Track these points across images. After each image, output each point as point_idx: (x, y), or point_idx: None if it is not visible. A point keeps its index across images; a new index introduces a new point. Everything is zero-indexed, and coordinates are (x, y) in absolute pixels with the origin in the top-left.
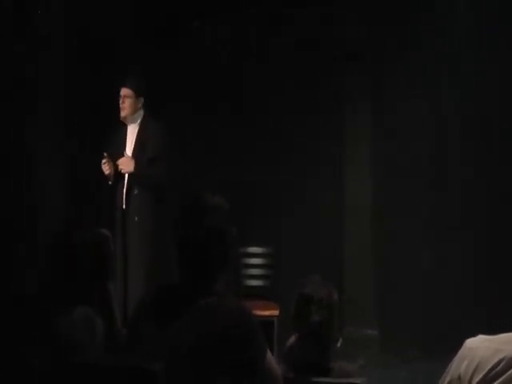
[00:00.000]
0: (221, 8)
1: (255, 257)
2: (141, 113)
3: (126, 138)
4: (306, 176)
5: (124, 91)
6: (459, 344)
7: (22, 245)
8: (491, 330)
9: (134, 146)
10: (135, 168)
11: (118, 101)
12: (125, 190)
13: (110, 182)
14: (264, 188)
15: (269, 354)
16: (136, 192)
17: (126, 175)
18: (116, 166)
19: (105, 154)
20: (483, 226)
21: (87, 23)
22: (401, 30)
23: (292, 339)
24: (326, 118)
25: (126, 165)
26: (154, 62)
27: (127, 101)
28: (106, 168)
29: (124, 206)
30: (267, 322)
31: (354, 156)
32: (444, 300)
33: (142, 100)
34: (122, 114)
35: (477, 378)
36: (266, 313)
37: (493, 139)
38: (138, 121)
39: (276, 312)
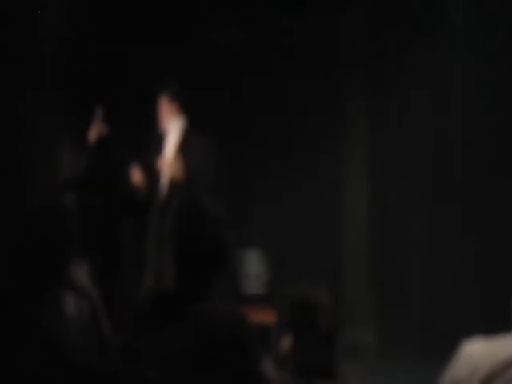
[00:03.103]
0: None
1: (252, 261)
2: (180, 120)
3: (162, 148)
4: (302, 178)
5: (159, 97)
6: (457, 347)
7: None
8: (488, 333)
9: (176, 158)
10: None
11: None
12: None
13: (140, 195)
14: (260, 190)
15: (266, 359)
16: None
17: (163, 189)
18: (151, 175)
19: (135, 165)
20: (482, 228)
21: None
22: (398, 31)
23: (286, 344)
24: (322, 119)
25: (172, 167)
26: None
27: (161, 106)
28: (137, 177)
29: (162, 219)
30: (264, 328)
31: (351, 157)
32: (442, 303)
33: (177, 105)
34: (159, 125)
35: (475, 381)
36: (263, 318)
37: (495, 142)
38: (178, 129)
39: (273, 317)
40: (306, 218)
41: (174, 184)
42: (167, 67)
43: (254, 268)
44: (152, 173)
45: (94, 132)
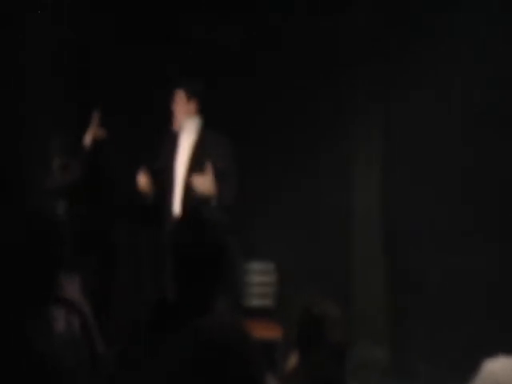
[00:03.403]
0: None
1: (256, 273)
2: (197, 120)
3: (175, 149)
4: (310, 181)
5: (176, 93)
6: (475, 364)
7: None
8: (506, 348)
9: (191, 158)
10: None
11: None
12: (177, 210)
13: (148, 201)
14: (266, 196)
15: (270, 377)
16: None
17: (177, 193)
18: (157, 182)
19: (142, 168)
20: (506, 232)
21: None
22: (414, 26)
23: (293, 361)
24: (334, 118)
25: (204, 185)
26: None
27: (178, 103)
28: (144, 183)
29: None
30: (270, 344)
31: (363, 156)
32: (458, 316)
33: (195, 103)
34: (174, 124)
35: None
36: (268, 334)
37: None
38: (194, 128)
39: (279, 333)
40: (314, 225)
41: (201, 202)
42: (167, 67)
43: (258, 279)
44: (164, 178)
45: (90, 136)
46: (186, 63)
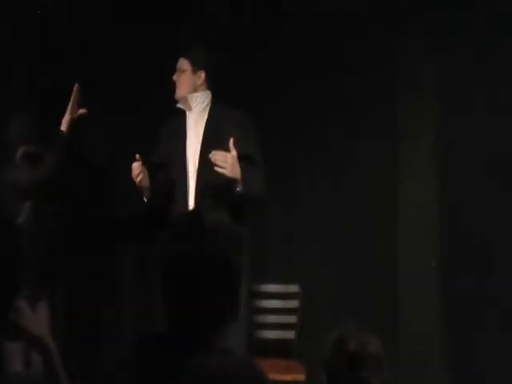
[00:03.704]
0: None
1: (273, 298)
2: (206, 95)
3: (182, 135)
4: (340, 185)
5: (179, 62)
6: None
7: None
8: None
9: (203, 141)
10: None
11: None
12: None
13: (144, 198)
14: (285, 204)
15: None
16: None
17: (192, 184)
18: (157, 180)
19: (137, 156)
20: None
21: None
22: None
23: None
24: (375, 105)
25: (226, 163)
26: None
27: (182, 75)
28: (137, 174)
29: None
30: None
31: (411, 155)
32: None
33: (202, 75)
34: (176, 94)
35: None
36: (288, 377)
37: None
38: (204, 105)
39: (302, 376)
40: (347, 237)
41: (221, 189)
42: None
43: (276, 306)
44: (169, 175)
45: (68, 117)
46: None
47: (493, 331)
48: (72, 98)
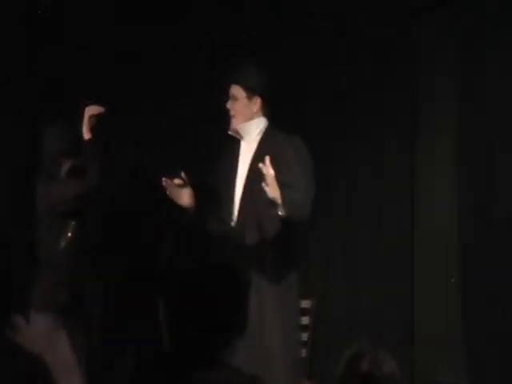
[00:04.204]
0: None
1: None
2: (259, 122)
3: (237, 157)
4: (353, 193)
5: (232, 90)
6: None
7: None
8: None
9: (249, 170)
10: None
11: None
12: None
13: (187, 218)
14: None
15: None
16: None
17: (236, 209)
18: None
19: (182, 174)
20: None
21: None
22: None
23: None
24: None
25: (271, 178)
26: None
27: (236, 104)
28: (184, 193)
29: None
30: None
31: (428, 158)
32: None
33: (258, 101)
34: (232, 124)
35: None
36: None
37: None
38: (257, 132)
39: None
40: (359, 254)
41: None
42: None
43: None
44: (217, 195)
45: (88, 124)
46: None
47: None
48: (87, 110)
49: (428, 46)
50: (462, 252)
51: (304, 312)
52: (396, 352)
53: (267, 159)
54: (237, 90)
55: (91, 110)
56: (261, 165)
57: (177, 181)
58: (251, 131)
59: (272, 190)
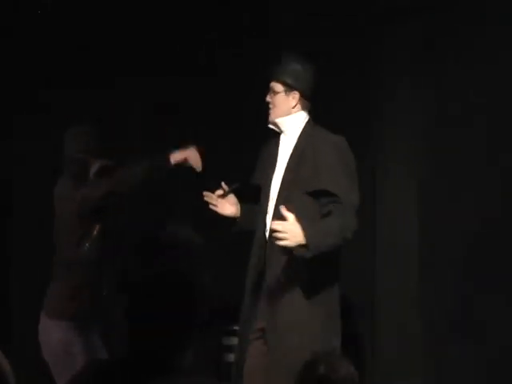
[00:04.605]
0: None
1: None
2: (298, 117)
3: (276, 155)
4: None
5: (271, 83)
6: None
7: None
8: None
9: (286, 169)
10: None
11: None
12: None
13: (232, 228)
14: None
15: None
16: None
17: (270, 213)
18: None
19: (223, 184)
20: None
21: None
22: None
23: None
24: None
25: (289, 230)
26: None
27: (275, 98)
28: (228, 203)
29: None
30: None
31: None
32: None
33: (296, 96)
34: (269, 117)
35: None
36: None
37: None
38: (296, 128)
39: None
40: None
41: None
42: None
43: None
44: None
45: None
46: None
47: None
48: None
49: (389, 57)
50: (423, 262)
51: None
52: (357, 357)
53: (282, 209)
54: (275, 84)
55: (192, 158)
56: (273, 224)
57: (218, 192)
58: (289, 125)
59: (293, 237)
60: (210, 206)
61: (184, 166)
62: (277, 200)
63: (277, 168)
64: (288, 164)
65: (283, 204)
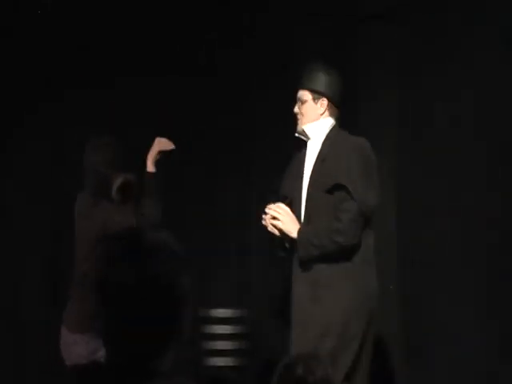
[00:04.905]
0: None
1: (222, 323)
2: (324, 123)
3: (303, 161)
4: None
5: (298, 93)
6: None
7: None
8: None
9: (311, 173)
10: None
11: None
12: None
13: (286, 245)
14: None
15: None
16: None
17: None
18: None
19: (287, 196)
20: None
21: None
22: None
23: None
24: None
25: (283, 215)
26: None
27: (302, 107)
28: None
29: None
30: None
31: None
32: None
33: (324, 103)
34: (298, 126)
35: None
36: None
37: None
38: (322, 134)
39: None
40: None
41: None
42: None
43: (223, 331)
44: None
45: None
46: None
47: None
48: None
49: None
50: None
51: (241, 321)
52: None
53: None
54: (303, 93)
55: (162, 144)
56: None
57: (271, 212)
58: (317, 132)
59: (286, 224)
60: (270, 229)
61: (165, 157)
62: (305, 207)
63: (304, 175)
64: (313, 170)
65: (312, 208)
